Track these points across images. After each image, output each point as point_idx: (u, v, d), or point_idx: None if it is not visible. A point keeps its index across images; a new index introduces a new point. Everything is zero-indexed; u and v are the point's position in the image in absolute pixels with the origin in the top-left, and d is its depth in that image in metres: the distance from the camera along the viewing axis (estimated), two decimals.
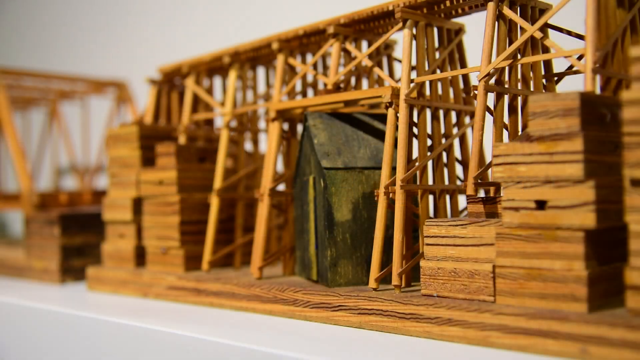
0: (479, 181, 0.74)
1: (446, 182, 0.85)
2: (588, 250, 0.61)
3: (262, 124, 1.14)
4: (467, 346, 0.65)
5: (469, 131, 0.88)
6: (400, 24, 0.81)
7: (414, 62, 0.88)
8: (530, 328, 0.61)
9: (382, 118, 0.89)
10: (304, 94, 1.02)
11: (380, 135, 0.86)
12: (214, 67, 1.15)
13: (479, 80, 0.73)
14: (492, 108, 0.76)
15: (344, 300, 0.76)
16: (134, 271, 1.06)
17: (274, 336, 0.72)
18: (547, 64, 0.79)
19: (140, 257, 1.10)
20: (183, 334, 0.75)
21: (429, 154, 0.82)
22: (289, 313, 0.82)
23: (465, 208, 0.88)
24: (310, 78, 1.03)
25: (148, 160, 1.11)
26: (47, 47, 2.43)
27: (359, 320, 0.74)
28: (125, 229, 1.12)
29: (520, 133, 0.76)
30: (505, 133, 0.77)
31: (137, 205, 1.10)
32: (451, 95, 0.85)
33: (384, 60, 0.98)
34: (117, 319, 0.86)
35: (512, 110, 0.77)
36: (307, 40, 0.99)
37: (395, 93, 0.78)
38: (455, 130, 0.87)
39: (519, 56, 0.75)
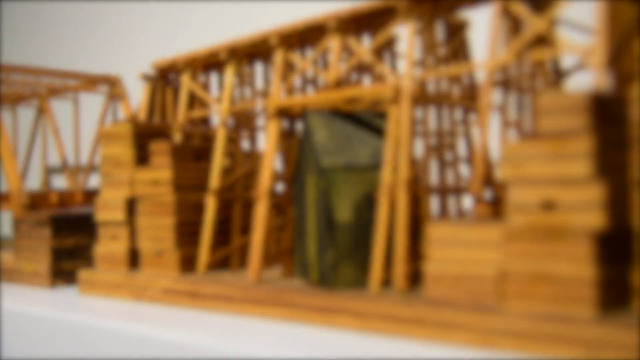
0: (485, 181, 0.72)
1: (451, 181, 0.83)
2: (597, 252, 0.60)
3: (260, 122, 1.11)
4: (472, 350, 0.63)
5: (474, 129, 0.87)
6: (404, 18, 0.79)
7: (417, 58, 0.86)
8: (537, 332, 0.60)
9: (385, 116, 0.87)
10: (303, 91, 1.00)
11: (382, 133, 0.85)
12: (210, 63, 1.13)
13: (485, 77, 0.71)
14: (499, 105, 0.75)
15: (345, 303, 0.74)
16: (128, 274, 1.03)
17: (272, 341, 0.70)
18: (556, 59, 0.78)
19: (134, 259, 1.07)
20: (178, 338, 0.73)
21: (433, 153, 0.80)
22: (288, 317, 0.80)
23: (471, 209, 0.86)
24: (310, 74, 1.01)
25: (142, 159, 1.09)
26: (39, 42, 2.38)
27: (360, 324, 0.73)
28: (118, 230, 1.09)
29: (527, 131, 0.75)
30: (512, 131, 0.76)
31: (131, 205, 1.08)
32: (456, 92, 0.84)
33: (387, 56, 0.96)
34: (109, 323, 0.83)
35: (520, 107, 0.76)
36: (307, 35, 0.97)
37: (399, 90, 0.76)
38: (460, 128, 0.86)
39: (526, 51, 0.73)
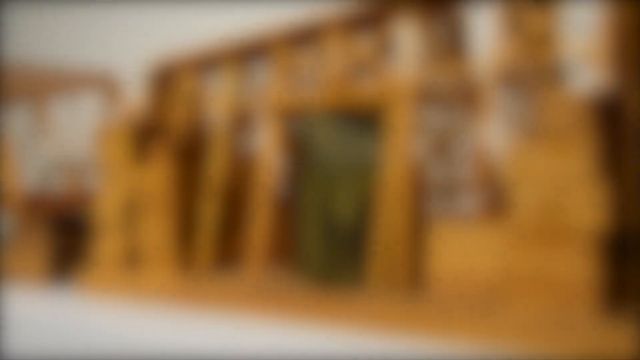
0: (486, 181, 0.72)
1: (452, 181, 0.83)
2: (601, 253, 0.59)
3: (260, 122, 1.11)
4: (473, 350, 0.63)
5: (475, 128, 0.86)
6: (404, 16, 0.78)
7: (418, 57, 0.85)
8: (539, 333, 0.59)
9: (385, 115, 0.86)
10: (304, 90, 1.00)
11: (383, 132, 0.84)
12: (211, 61, 1.12)
13: (487, 76, 0.71)
14: (500, 104, 0.74)
15: (345, 302, 0.74)
16: (126, 274, 1.03)
17: (273, 340, 0.70)
18: (558, 58, 0.77)
19: (133, 259, 1.07)
20: (177, 338, 0.73)
21: (433, 152, 0.80)
22: (288, 316, 0.79)
23: (472, 208, 0.86)
24: (310, 74, 1.00)
25: (141, 158, 1.08)
26: (31, 35, 2.37)
27: (361, 323, 0.72)
28: (117, 230, 1.09)
29: (529, 131, 0.74)
30: (514, 130, 0.75)
31: (130, 205, 1.07)
32: (457, 90, 0.83)
33: (387, 55, 0.96)
34: (108, 323, 0.83)
35: (522, 107, 0.75)
36: (308, 34, 0.96)
37: (398, 89, 0.76)
38: (461, 128, 0.85)
39: (528, 50, 0.73)
